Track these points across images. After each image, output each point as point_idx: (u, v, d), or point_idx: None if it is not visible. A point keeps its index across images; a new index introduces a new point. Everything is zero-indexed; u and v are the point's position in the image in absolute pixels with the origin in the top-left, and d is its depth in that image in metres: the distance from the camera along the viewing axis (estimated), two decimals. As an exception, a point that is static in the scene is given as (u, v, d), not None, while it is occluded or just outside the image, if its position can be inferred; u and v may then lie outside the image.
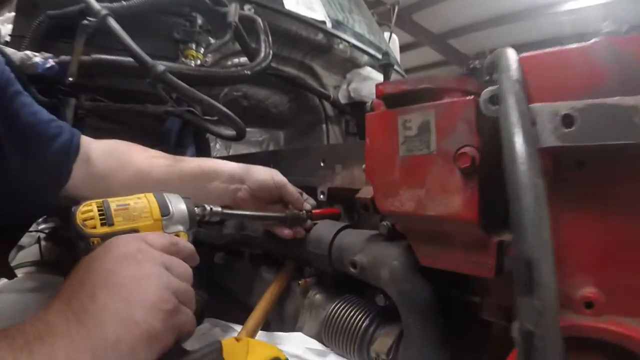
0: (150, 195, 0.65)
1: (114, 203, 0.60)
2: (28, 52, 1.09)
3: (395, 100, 0.67)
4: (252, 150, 2.17)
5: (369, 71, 2.08)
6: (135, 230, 0.60)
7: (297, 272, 1.12)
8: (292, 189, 0.99)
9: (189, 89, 1.09)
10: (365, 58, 2.11)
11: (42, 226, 2.09)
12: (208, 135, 1.50)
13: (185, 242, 0.64)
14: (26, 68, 1.08)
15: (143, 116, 1.30)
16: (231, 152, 2.12)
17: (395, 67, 2.32)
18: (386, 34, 2.96)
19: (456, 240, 0.67)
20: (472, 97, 0.61)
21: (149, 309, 0.50)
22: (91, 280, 0.51)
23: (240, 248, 1.26)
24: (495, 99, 0.55)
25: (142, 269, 0.53)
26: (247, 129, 2.22)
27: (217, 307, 1.45)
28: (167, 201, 0.65)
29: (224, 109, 1.15)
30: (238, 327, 1.08)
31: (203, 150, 1.48)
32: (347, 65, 2.07)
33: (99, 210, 0.59)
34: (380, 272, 0.81)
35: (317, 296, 1.02)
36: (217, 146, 2.11)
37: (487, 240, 0.64)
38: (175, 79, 1.08)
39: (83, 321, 0.48)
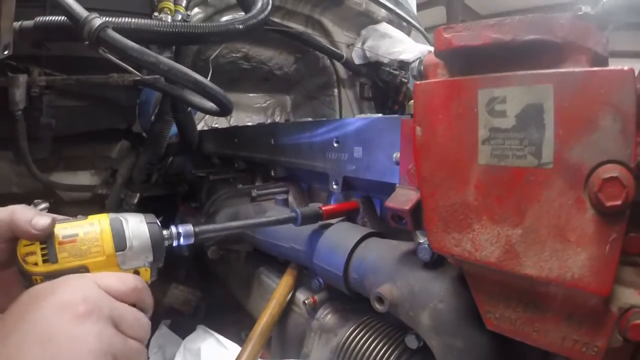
0: (105, 220, 0.52)
1: (60, 232, 0.49)
2: None
3: (471, 60, 0.36)
4: (255, 117, 1.88)
5: (386, 27, 1.76)
6: (84, 268, 0.49)
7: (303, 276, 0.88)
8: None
9: (139, 50, 0.76)
10: (383, 13, 1.79)
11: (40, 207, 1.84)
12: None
13: (148, 292, 0.51)
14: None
15: (110, 88, 1.00)
16: (232, 122, 1.82)
17: (414, 22, 1.99)
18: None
19: (555, 307, 0.38)
20: (629, 67, 0.30)
21: None
22: (23, 328, 0.43)
23: (233, 247, 0.98)
24: None
25: (81, 325, 0.43)
26: (249, 95, 1.95)
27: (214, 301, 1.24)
28: (125, 230, 0.51)
29: (195, 75, 0.81)
30: (229, 344, 0.92)
31: (184, 125, 1.17)
32: (362, 21, 1.76)
33: (41, 242, 0.48)
34: (419, 316, 0.54)
35: (329, 317, 0.78)
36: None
37: (603, 312, 0.37)
38: (118, 37, 0.76)
39: None
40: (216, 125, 1.72)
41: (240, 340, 0.88)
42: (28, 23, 0.92)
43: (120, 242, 0.50)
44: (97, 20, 0.74)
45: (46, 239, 0.49)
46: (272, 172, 1.05)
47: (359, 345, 0.70)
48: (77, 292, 0.45)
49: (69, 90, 1.06)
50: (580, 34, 0.36)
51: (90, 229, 0.50)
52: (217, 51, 1.32)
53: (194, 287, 1.23)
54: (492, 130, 0.35)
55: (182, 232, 0.56)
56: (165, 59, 0.76)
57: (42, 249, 0.48)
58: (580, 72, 0.33)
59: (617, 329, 0.37)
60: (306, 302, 0.78)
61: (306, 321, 0.80)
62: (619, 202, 0.30)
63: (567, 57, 0.35)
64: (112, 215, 0.53)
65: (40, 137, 1.12)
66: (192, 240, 0.57)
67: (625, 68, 0.32)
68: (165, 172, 1.39)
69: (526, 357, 0.54)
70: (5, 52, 0.88)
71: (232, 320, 1.11)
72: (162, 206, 1.41)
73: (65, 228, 0.50)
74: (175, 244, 0.56)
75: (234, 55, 1.58)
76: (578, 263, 0.33)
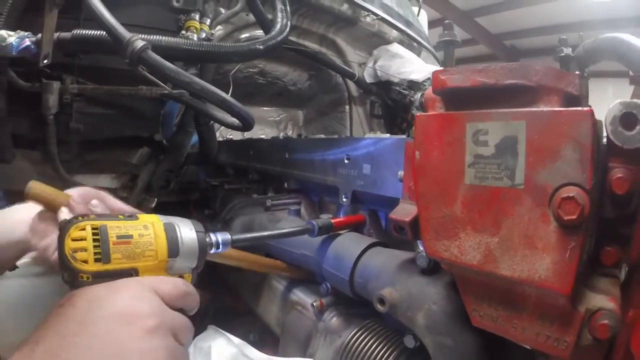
0: (159, 225, 0.52)
1: (114, 231, 0.48)
2: (2, 32, 0.89)
3: (462, 98, 0.45)
4: (268, 130, 1.97)
5: (397, 48, 1.87)
6: (133, 270, 0.49)
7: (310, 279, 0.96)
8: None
9: (176, 70, 0.85)
10: (394, 33, 1.89)
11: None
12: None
13: (196, 294, 0.53)
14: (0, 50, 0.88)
15: (136, 99, 1.09)
16: (246, 135, 1.92)
17: (425, 43, 2.09)
18: (414, 9, 2.68)
19: (529, 306, 0.46)
20: (588, 108, 0.39)
21: None
22: (86, 339, 0.41)
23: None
24: (633, 121, 0.34)
25: (152, 340, 0.43)
26: (264, 108, 2.05)
27: (223, 305, 1.32)
28: (178, 237, 0.52)
29: (223, 95, 0.90)
30: (239, 342, 0.94)
31: (205, 136, 1.27)
32: (374, 41, 1.86)
33: (94, 240, 0.47)
34: (416, 316, 0.62)
35: (334, 320, 0.85)
36: (231, 128, 1.91)
37: (571, 311, 0.44)
38: (157, 58, 0.84)
39: None
40: (230, 137, 1.82)
41: (249, 341, 0.95)
42: (65, 35, 0.99)
43: (174, 249, 0.52)
44: (140, 42, 0.82)
45: (99, 234, 0.48)
46: (285, 184, 1.14)
47: (362, 346, 0.76)
48: (142, 303, 0.45)
49: (97, 98, 1.14)
50: (552, 78, 0.44)
51: (145, 233, 0.51)
52: (237, 67, 1.42)
53: (204, 290, 1.31)
54: (476, 157, 0.44)
55: (221, 241, 0.61)
56: (197, 79, 0.86)
57: (94, 246, 0.47)
58: (547, 111, 0.41)
59: (587, 329, 0.45)
60: (314, 304, 0.85)
61: (313, 323, 0.87)
62: (574, 217, 0.39)
63: (540, 98, 0.43)
64: (164, 219, 0.54)
65: (67, 141, 1.21)
66: (229, 248, 0.63)
67: (585, 109, 0.41)
68: (181, 179, 1.48)
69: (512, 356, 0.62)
70: (45, 61, 0.97)
71: (241, 323, 1.19)
72: (175, 212, 1.50)
73: (119, 227, 0.49)
74: (213, 250, 0.60)
75: (251, 70, 1.68)
76: (543, 266, 0.41)
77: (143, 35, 0.88)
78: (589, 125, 0.40)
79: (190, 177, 1.52)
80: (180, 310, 0.50)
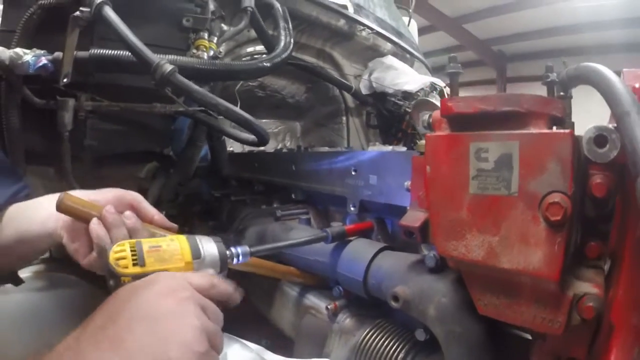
0: (182, 238, 0.65)
1: (146, 244, 0.61)
2: (18, 50, 0.94)
3: (465, 121, 0.56)
4: (267, 142, 2.06)
5: (391, 60, 1.98)
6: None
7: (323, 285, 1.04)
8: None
9: (203, 92, 0.93)
10: (388, 46, 2.00)
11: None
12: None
13: (224, 285, 0.64)
14: (16, 68, 0.93)
15: (149, 115, 1.16)
16: (247, 148, 2.01)
17: (417, 54, 2.21)
18: (404, 18, 2.82)
19: (526, 293, 0.57)
20: (569, 130, 0.50)
21: (184, 349, 0.50)
22: (130, 310, 0.51)
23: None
24: (604, 141, 0.45)
25: (182, 306, 0.53)
26: (262, 120, 2.15)
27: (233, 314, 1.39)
28: (199, 244, 0.65)
29: (245, 114, 0.99)
30: (253, 346, 1.02)
31: (217, 151, 1.37)
32: (369, 54, 1.97)
33: (131, 251, 0.60)
34: (427, 309, 0.72)
35: (347, 321, 0.93)
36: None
37: (561, 296, 0.55)
38: (185, 80, 0.92)
39: (117, 352, 0.48)
40: (231, 149, 1.92)
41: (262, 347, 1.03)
42: (83, 54, 1.03)
43: (196, 251, 0.64)
44: (168, 66, 0.90)
45: (135, 247, 0.61)
46: (292, 195, 1.24)
47: (375, 342, 0.83)
48: (175, 282, 0.56)
49: (111, 115, 1.18)
50: (539, 105, 0.55)
51: (171, 243, 0.63)
52: (240, 83, 1.52)
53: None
54: (479, 170, 0.54)
55: (240, 252, 0.72)
56: (222, 101, 0.94)
57: (132, 253, 0.59)
58: (536, 133, 0.52)
59: (575, 311, 0.55)
60: (329, 307, 0.94)
61: (327, 324, 0.95)
62: (559, 217, 0.49)
63: (530, 122, 0.54)
64: (187, 235, 0.67)
65: (81, 157, 1.24)
66: (248, 259, 0.74)
67: (565, 131, 0.52)
68: (186, 192, 1.57)
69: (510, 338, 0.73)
70: (65, 80, 1.01)
71: (251, 330, 1.26)
72: (179, 223, 1.57)
73: (150, 241, 0.62)
74: (235, 261, 0.72)
75: (250, 84, 1.77)
76: (536, 258, 0.52)
77: (168, 56, 0.96)
78: (569, 143, 0.51)
79: (192, 190, 1.59)
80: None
